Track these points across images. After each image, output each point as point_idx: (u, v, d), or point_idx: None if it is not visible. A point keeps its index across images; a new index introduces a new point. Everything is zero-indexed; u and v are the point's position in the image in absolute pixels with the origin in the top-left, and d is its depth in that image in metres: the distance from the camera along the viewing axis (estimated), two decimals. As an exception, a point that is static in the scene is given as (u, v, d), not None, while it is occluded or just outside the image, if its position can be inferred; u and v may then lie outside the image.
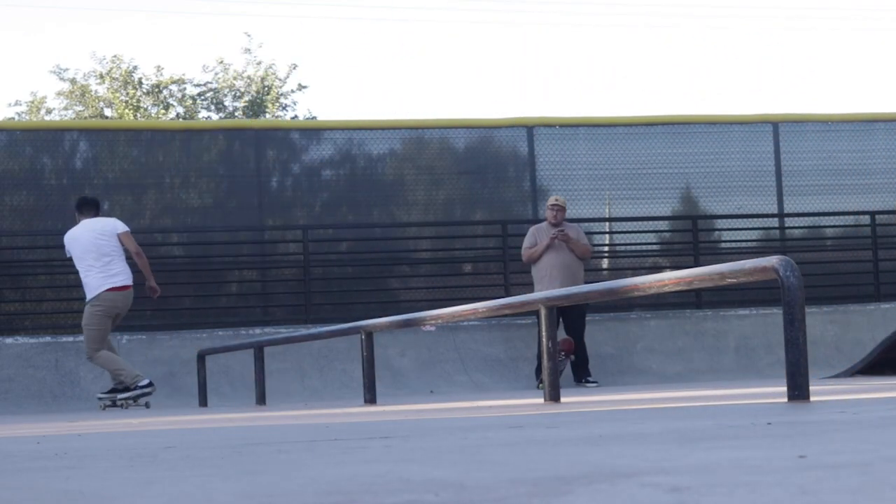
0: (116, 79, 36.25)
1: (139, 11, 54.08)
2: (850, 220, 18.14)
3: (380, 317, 11.42)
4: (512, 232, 16.35)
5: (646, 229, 17.45)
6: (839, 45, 64.58)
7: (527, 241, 14.63)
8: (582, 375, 14.59)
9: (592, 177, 17.32)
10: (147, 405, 12.90)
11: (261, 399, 12.58)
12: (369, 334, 10.57)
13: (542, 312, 7.99)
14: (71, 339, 14.84)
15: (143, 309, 16.44)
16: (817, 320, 15.59)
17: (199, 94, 37.05)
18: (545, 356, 7.99)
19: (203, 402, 13.42)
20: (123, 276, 12.97)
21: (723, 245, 18.00)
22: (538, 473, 2.61)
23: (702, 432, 3.80)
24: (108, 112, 36.29)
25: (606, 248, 17.79)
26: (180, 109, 36.79)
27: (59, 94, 36.65)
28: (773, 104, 64.96)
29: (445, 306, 10.75)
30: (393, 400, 11.82)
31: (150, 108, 36.41)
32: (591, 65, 62.99)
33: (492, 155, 17.40)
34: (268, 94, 36.17)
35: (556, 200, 14.60)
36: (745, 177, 17.70)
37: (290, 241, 17.08)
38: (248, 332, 15.05)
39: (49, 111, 36.51)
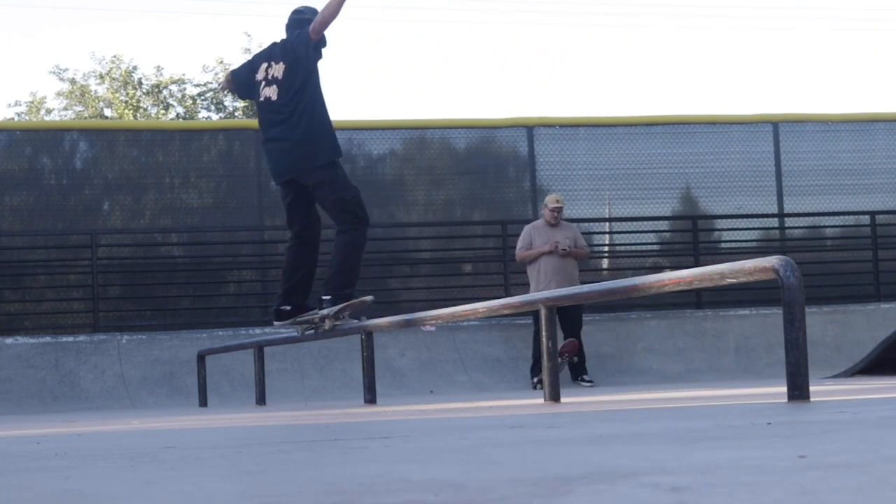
0: (116, 79, 36.26)
1: (139, 11, 54.09)
2: (850, 220, 18.13)
3: (380, 317, 11.42)
4: (512, 232, 16.34)
5: (646, 229, 17.44)
6: (840, 45, 64.58)
7: (521, 242, 14.67)
8: (578, 374, 14.64)
9: (592, 177, 17.32)
10: None
11: (261, 399, 12.56)
12: (369, 334, 10.55)
13: (543, 312, 7.98)
14: (71, 339, 14.84)
15: (143, 309, 16.45)
16: (817, 320, 15.58)
17: (199, 94, 37.05)
18: (545, 356, 7.98)
19: (203, 402, 13.41)
20: None
21: (723, 245, 17.99)
22: (538, 473, 2.61)
23: (702, 432, 3.80)
24: (108, 112, 36.29)
25: (606, 248, 17.78)
26: (180, 109, 36.79)
27: (58, 94, 36.69)
28: (773, 104, 64.97)
29: (445, 306, 10.74)
30: (393, 400, 11.81)
31: (150, 108, 36.41)
32: (591, 65, 62.98)
33: (492, 155, 17.39)
34: (268, 94, 36.12)
35: (557, 202, 14.64)
36: (745, 177, 17.70)
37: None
38: (248, 332, 15.04)
39: (49, 111, 36.52)
